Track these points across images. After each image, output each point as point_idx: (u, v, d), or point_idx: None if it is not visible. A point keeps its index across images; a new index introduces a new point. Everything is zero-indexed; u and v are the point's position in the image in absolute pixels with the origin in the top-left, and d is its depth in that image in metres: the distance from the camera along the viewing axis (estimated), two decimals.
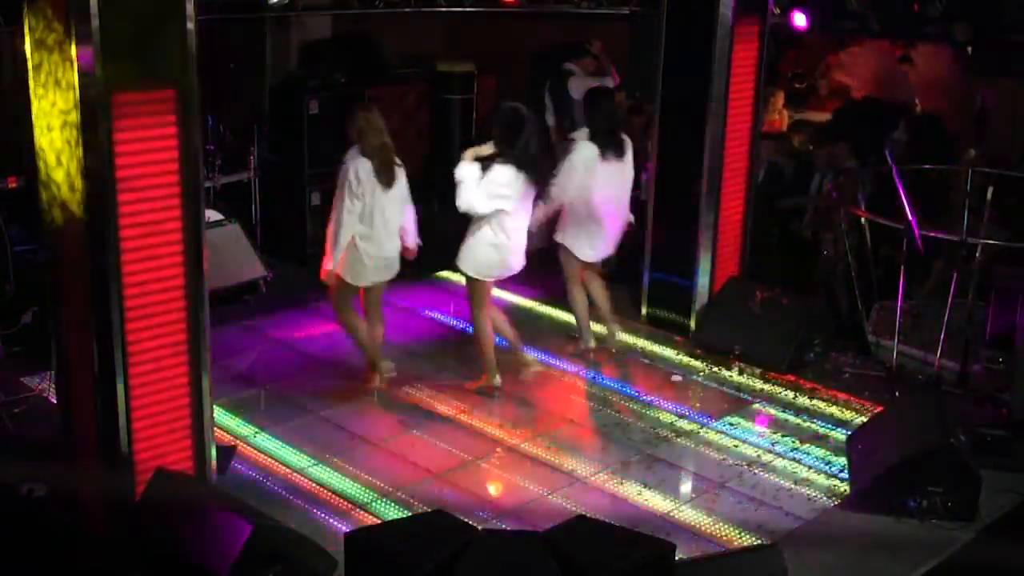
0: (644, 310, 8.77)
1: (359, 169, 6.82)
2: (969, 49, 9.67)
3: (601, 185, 7.57)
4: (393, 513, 6.11)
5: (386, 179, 6.88)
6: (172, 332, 5.64)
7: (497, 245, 7.00)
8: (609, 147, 7.55)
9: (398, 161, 7.03)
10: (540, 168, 6.99)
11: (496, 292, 7.56)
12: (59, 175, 5.37)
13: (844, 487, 6.48)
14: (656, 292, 8.70)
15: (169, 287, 5.57)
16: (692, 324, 8.44)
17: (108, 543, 5.55)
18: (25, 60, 5.40)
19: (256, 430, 6.96)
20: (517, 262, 7.15)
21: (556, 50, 11.02)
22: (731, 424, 7.24)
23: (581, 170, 7.48)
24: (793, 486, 6.52)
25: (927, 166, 9.18)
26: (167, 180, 5.45)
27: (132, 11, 5.19)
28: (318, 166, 9.80)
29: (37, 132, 5.45)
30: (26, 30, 5.33)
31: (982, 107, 9.14)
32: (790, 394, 7.68)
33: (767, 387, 7.76)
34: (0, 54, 9.09)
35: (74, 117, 5.17)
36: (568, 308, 8.16)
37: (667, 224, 8.53)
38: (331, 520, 6.01)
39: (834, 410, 7.46)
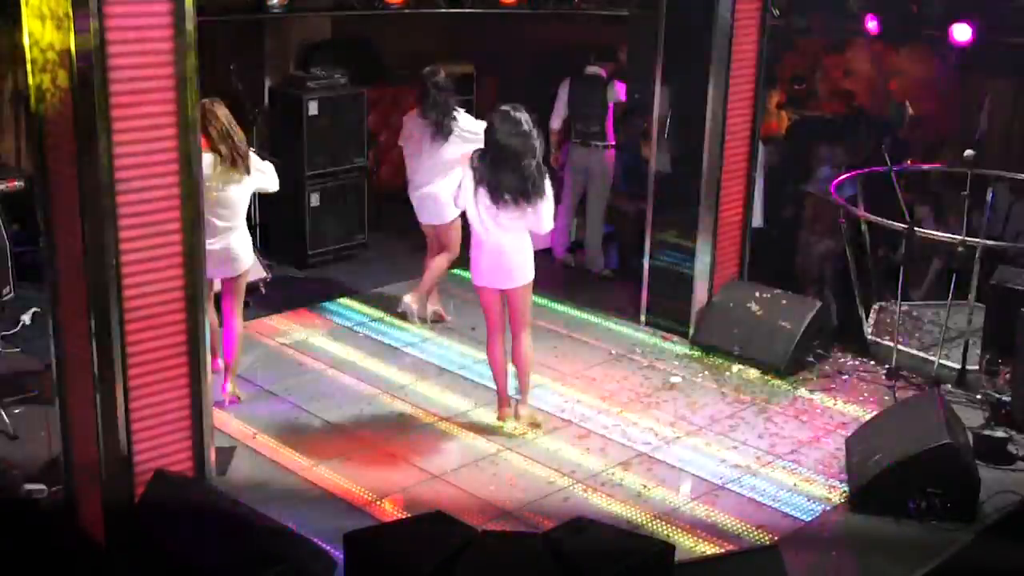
0: (644, 310, 8.77)
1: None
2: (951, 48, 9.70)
3: None
4: (393, 513, 6.11)
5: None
6: (172, 333, 5.64)
7: None
8: None
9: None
10: None
11: None
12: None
13: (844, 488, 6.48)
14: (656, 292, 8.70)
15: (169, 288, 5.57)
16: (692, 324, 8.44)
17: (107, 544, 5.54)
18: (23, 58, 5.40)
19: (256, 430, 6.97)
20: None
21: (570, 51, 10.94)
22: (731, 425, 7.24)
23: None
24: (793, 487, 6.52)
25: (926, 166, 9.21)
26: (167, 181, 5.45)
27: None
28: (318, 167, 9.80)
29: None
30: None
31: (986, 109, 9.15)
32: (790, 395, 7.68)
33: (767, 388, 7.76)
34: None
35: None
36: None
37: (667, 224, 8.53)
38: (331, 520, 6.01)
39: (834, 410, 7.46)
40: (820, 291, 9.05)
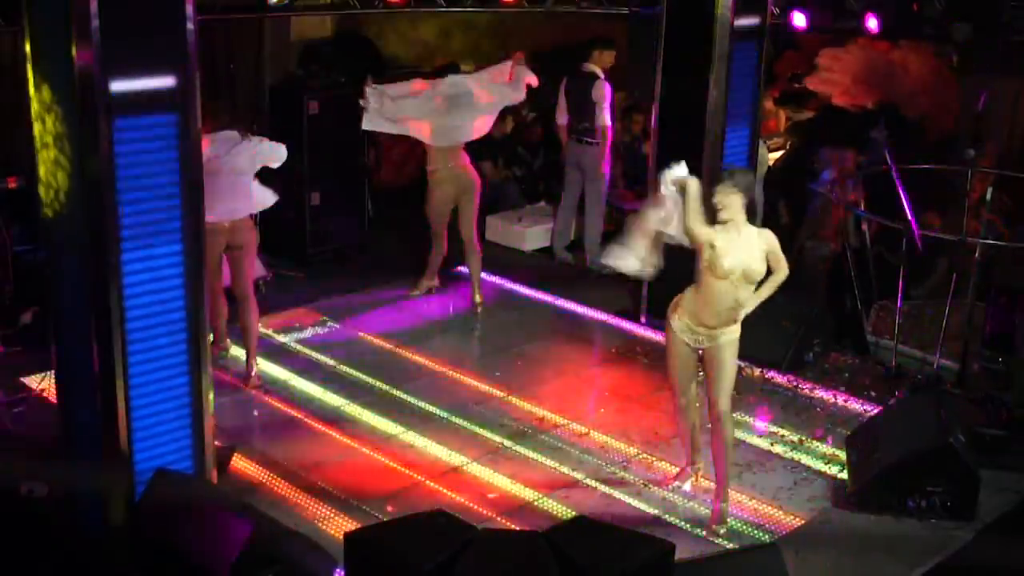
0: (644, 309, 8.76)
1: None
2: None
3: None
4: (393, 513, 6.12)
5: None
6: (172, 332, 5.64)
7: None
8: None
9: None
10: None
11: None
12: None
13: (844, 487, 6.49)
14: (656, 293, 8.68)
15: (169, 287, 5.57)
16: None
17: (108, 543, 5.55)
18: (24, 59, 5.40)
19: (256, 430, 6.97)
20: None
21: (570, 50, 10.92)
22: None
23: None
24: (793, 486, 6.53)
25: (926, 166, 9.19)
26: (167, 180, 5.45)
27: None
28: (318, 166, 9.80)
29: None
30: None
31: (984, 107, 9.15)
32: (790, 394, 7.68)
33: (767, 387, 7.76)
34: (0, 54, 9.09)
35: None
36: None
37: None
38: (331, 520, 6.02)
39: (834, 410, 7.46)
40: (828, 296, 8.96)
